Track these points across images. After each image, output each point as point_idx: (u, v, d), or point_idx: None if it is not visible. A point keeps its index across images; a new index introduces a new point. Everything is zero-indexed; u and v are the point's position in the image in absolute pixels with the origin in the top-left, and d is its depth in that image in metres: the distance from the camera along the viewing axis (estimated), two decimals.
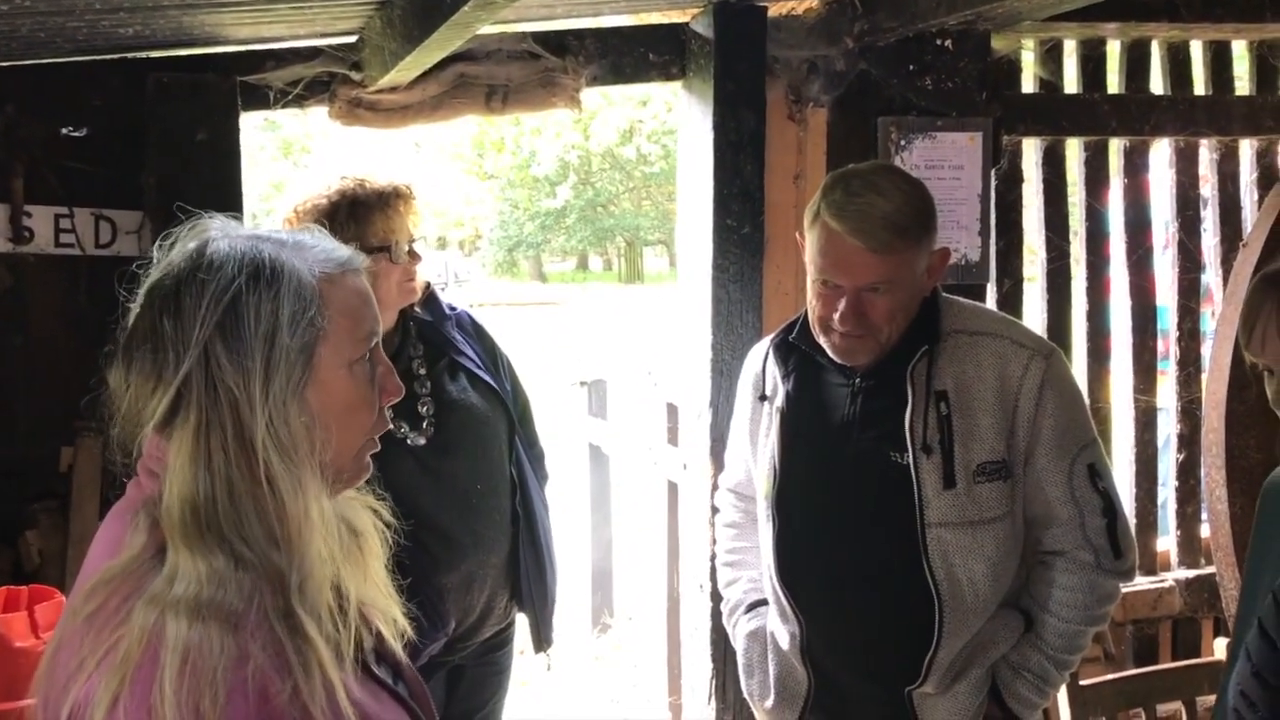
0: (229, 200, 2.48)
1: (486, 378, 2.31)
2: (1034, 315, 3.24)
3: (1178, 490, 3.39)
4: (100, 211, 2.60)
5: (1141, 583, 3.28)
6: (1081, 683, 2.25)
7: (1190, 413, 3.34)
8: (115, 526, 1.11)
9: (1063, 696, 2.22)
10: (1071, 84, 3.23)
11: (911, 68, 2.90)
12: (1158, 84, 3.28)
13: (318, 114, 2.76)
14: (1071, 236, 3.25)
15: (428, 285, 2.30)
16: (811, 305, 1.92)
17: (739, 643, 2.17)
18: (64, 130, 2.58)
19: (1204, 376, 3.25)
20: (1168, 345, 3.40)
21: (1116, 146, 3.29)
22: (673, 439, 3.38)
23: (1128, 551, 1.95)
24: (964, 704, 1.95)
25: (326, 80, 2.68)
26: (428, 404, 2.22)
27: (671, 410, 3.44)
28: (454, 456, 2.22)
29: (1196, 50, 3.31)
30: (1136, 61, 3.25)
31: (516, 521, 2.30)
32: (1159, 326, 3.39)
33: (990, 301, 3.07)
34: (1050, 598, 1.93)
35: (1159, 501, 3.41)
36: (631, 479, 5.35)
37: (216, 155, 2.53)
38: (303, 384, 1.08)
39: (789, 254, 2.86)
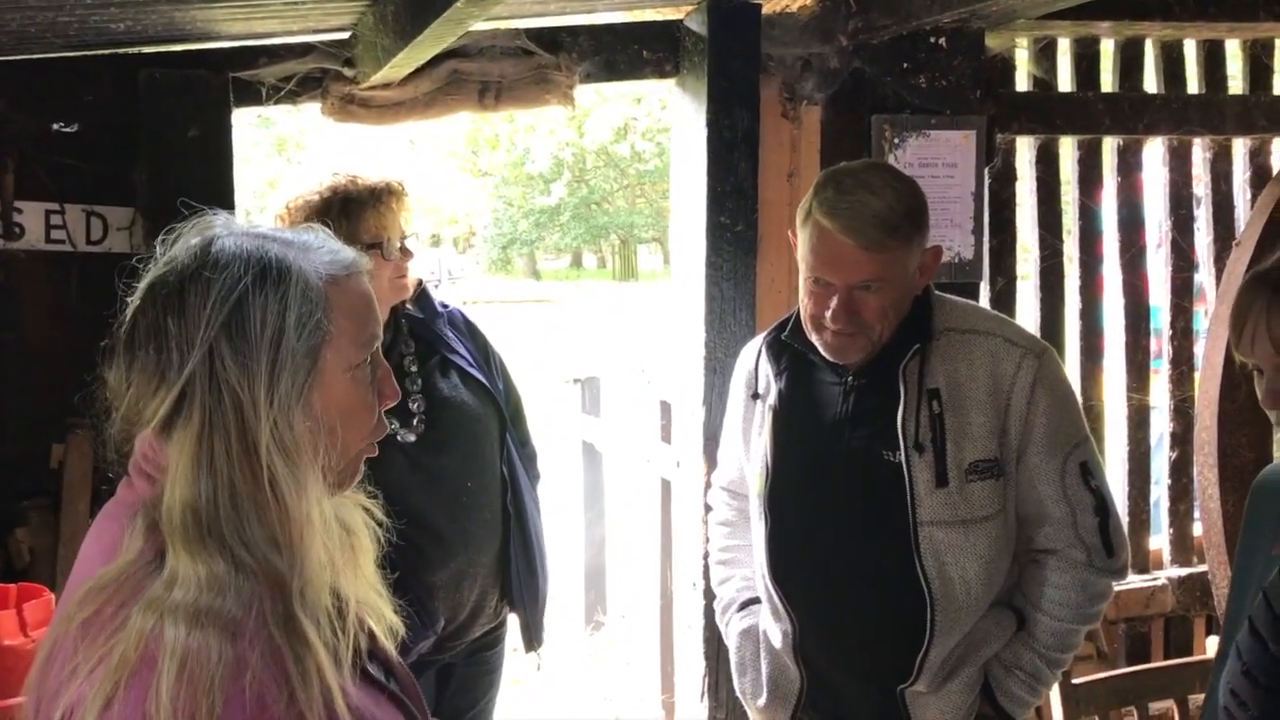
0: (221, 197, 2.46)
1: (478, 375, 2.31)
2: (1027, 314, 3.23)
3: (1170, 489, 3.40)
4: (91, 208, 2.59)
5: (1134, 581, 3.29)
6: (1074, 681, 2.25)
7: (1183, 411, 3.35)
8: (109, 528, 1.09)
9: (1055, 695, 2.23)
10: (1065, 82, 3.24)
11: (905, 66, 2.90)
12: (1151, 83, 3.29)
13: (311, 110, 2.75)
14: (1065, 235, 3.25)
15: (420, 282, 2.30)
16: (803, 303, 1.92)
17: (732, 641, 2.17)
18: (55, 126, 2.57)
19: (1197, 375, 3.25)
20: (1161, 344, 3.41)
21: (1110, 145, 3.30)
22: (666, 437, 3.38)
23: (1120, 550, 1.95)
24: (956, 702, 1.95)
25: (319, 76, 2.68)
26: (419, 401, 2.22)
27: (665, 408, 3.43)
28: (445, 454, 2.21)
29: (1190, 49, 3.32)
30: (1130, 60, 3.26)
31: (507, 520, 2.29)
32: (1152, 325, 3.40)
33: (983, 300, 3.07)
34: (1043, 596, 1.93)
35: (1151, 500, 3.41)
36: (625, 477, 5.35)
37: (209, 152, 2.53)
38: (307, 387, 1.07)
39: (782, 252, 2.86)
